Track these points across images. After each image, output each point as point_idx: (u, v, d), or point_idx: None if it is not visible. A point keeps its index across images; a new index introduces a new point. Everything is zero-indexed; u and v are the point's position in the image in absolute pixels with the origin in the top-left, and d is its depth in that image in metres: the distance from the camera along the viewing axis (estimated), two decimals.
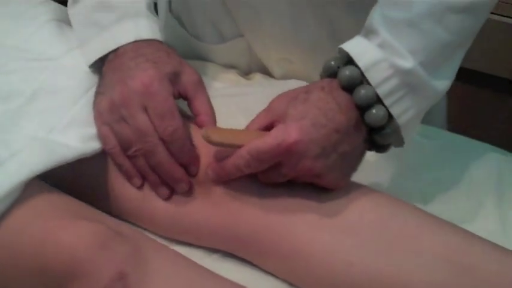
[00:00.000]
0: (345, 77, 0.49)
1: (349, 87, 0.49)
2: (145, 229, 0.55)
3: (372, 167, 0.62)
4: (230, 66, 0.79)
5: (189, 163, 0.52)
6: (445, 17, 0.49)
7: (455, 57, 0.52)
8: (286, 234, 0.50)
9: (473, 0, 0.49)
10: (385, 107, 0.49)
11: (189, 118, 0.56)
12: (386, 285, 0.47)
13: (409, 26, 0.49)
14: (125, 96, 0.51)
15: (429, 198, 0.61)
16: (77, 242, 0.44)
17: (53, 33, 0.62)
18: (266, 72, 0.78)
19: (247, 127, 0.52)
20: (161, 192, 0.53)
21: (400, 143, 0.53)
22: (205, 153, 0.53)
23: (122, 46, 0.55)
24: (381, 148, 0.53)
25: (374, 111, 0.49)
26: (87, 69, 0.58)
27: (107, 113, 0.52)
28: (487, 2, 0.51)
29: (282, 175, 0.49)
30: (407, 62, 0.48)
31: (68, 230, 0.45)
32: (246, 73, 0.80)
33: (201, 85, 0.56)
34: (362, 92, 0.48)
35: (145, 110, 0.51)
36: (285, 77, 0.77)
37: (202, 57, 0.80)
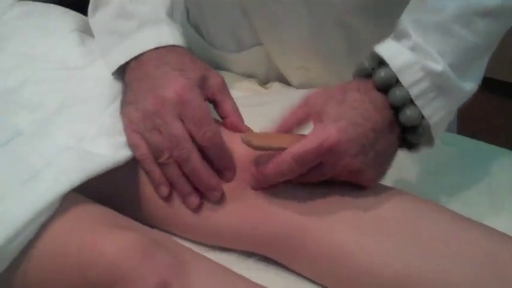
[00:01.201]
0: (380, 78, 0.51)
1: (384, 88, 0.51)
2: (175, 235, 0.56)
3: (392, 172, 0.63)
4: (248, 75, 0.80)
5: (226, 168, 0.53)
6: (472, 20, 0.51)
7: (482, 60, 0.54)
8: (322, 234, 0.50)
9: (499, 4, 0.51)
10: (417, 107, 0.51)
11: (218, 123, 0.57)
12: (423, 285, 0.48)
13: (439, 30, 0.51)
14: (159, 105, 0.52)
15: (449, 203, 0.61)
16: (120, 252, 0.44)
17: (76, 43, 0.63)
18: (284, 80, 0.79)
19: (282, 120, 0.54)
20: (191, 201, 0.53)
21: (430, 142, 0.55)
22: (238, 158, 0.54)
23: (145, 53, 0.56)
24: (411, 147, 0.55)
25: (408, 111, 0.51)
26: (112, 78, 0.59)
27: (139, 122, 0.53)
28: None
29: (322, 174, 0.51)
30: (438, 65, 0.50)
31: (109, 240, 0.45)
32: (263, 82, 0.80)
33: (226, 87, 0.57)
34: (397, 92, 0.50)
35: (180, 118, 0.52)
36: (303, 85, 0.78)
37: (219, 66, 0.81)
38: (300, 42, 0.72)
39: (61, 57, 0.61)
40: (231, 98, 0.57)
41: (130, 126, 0.54)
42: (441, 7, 0.51)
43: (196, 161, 0.52)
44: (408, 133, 0.53)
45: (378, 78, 0.51)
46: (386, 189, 0.54)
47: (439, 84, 0.51)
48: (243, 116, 0.58)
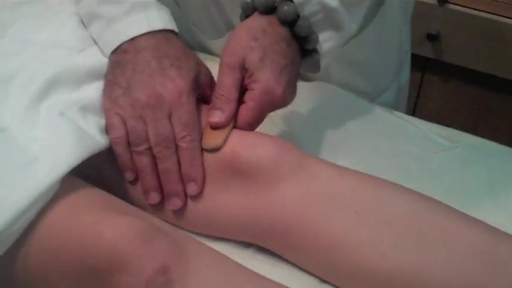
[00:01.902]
0: (284, 13, 0.56)
1: (286, 21, 0.57)
2: (172, 224, 0.55)
3: (394, 168, 0.64)
4: None
5: (192, 179, 0.53)
6: None
7: (364, 3, 0.62)
8: (322, 226, 0.50)
9: None
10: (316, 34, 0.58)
11: None
12: (419, 276, 0.48)
13: None
14: (153, 101, 0.53)
15: (453, 199, 0.61)
16: (120, 237, 0.44)
17: (76, 27, 0.62)
18: None
19: (221, 93, 0.55)
20: (151, 196, 0.54)
21: (315, 68, 0.62)
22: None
23: (141, 37, 0.56)
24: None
25: (313, 37, 0.58)
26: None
27: (126, 107, 0.54)
28: None
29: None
30: (333, 1, 0.56)
31: (109, 224, 0.45)
32: None
33: (214, 80, 0.59)
34: (301, 23, 0.57)
35: (169, 117, 0.53)
36: None
37: (206, 50, 0.82)
38: None
39: (60, 40, 0.61)
40: None
41: (113, 108, 0.54)
42: None
43: (174, 162, 0.53)
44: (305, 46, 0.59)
45: (283, 13, 0.56)
46: (387, 183, 0.54)
47: (331, 18, 0.57)
48: None
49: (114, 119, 0.54)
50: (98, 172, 0.55)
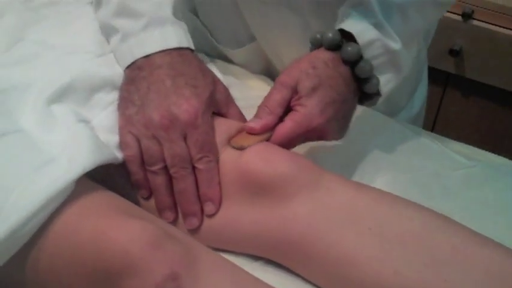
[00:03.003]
0: (348, 53, 0.58)
1: (348, 61, 0.58)
2: None
3: (412, 185, 0.63)
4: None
5: (210, 198, 0.53)
6: (425, 7, 0.61)
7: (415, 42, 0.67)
8: (334, 242, 0.50)
9: None
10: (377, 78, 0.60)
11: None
12: None
13: (399, 12, 0.59)
14: (167, 121, 0.53)
15: (470, 217, 0.60)
16: (131, 241, 0.44)
17: (97, 31, 0.63)
18: None
19: (266, 107, 0.56)
20: (166, 215, 0.54)
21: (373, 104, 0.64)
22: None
23: (156, 55, 0.56)
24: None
25: (372, 81, 0.59)
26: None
27: (140, 126, 0.54)
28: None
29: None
30: (396, 44, 0.59)
31: (122, 228, 0.45)
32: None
33: (231, 97, 0.60)
34: (363, 66, 0.58)
35: (184, 137, 0.53)
36: None
37: (226, 59, 0.82)
38: (289, 42, 0.73)
39: (80, 44, 0.61)
40: (236, 106, 0.60)
41: (127, 127, 0.55)
42: None
43: (191, 182, 0.53)
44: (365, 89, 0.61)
45: (346, 53, 0.58)
46: (403, 201, 0.53)
47: (393, 61, 0.59)
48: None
49: (127, 137, 0.54)
50: (113, 178, 0.55)
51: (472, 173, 0.66)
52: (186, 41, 0.58)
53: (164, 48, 0.57)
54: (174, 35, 0.58)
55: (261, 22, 0.73)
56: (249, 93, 0.73)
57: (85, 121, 0.54)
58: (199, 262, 0.46)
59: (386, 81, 0.60)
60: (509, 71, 1.31)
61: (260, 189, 0.52)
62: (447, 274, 0.47)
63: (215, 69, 0.67)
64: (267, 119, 0.55)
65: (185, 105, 0.53)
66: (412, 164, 0.67)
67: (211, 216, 0.53)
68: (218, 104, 0.58)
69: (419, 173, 0.65)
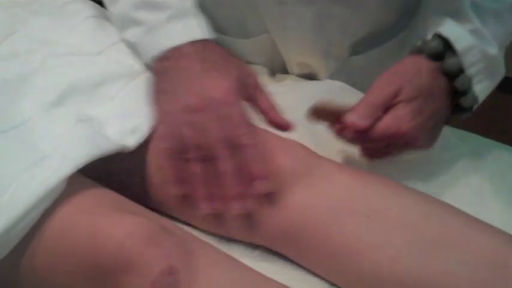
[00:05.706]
0: (450, 65, 0.59)
1: (448, 73, 0.59)
2: (181, 221, 0.55)
3: (407, 169, 0.63)
4: (253, 64, 0.80)
5: (259, 175, 0.51)
6: None
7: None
8: (332, 231, 0.50)
9: None
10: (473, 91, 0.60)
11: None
12: (431, 283, 0.47)
13: (495, 17, 0.60)
14: (203, 103, 0.52)
15: (465, 201, 0.60)
16: (127, 236, 0.44)
17: (92, 29, 0.62)
18: (285, 72, 0.80)
19: (369, 100, 0.56)
20: (203, 206, 0.51)
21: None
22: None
23: (180, 46, 0.56)
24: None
25: (470, 95, 0.60)
26: (128, 63, 0.59)
27: (177, 113, 0.53)
28: None
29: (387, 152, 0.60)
30: (493, 49, 0.59)
31: (117, 223, 0.45)
32: (268, 73, 0.81)
33: (259, 83, 0.58)
34: (462, 80, 0.59)
35: (218, 120, 0.52)
36: (303, 77, 0.79)
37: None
38: (302, 35, 0.73)
39: (75, 43, 0.60)
40: (267, 93, 0.58)
41: (165, 118, 0.54)
42: None
43: (228, 163, 0.51)
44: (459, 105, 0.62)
45: (448, 64, 0.59)
46: (400, 187, 0.53)
47: (490, 67, 0.60)
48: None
49: (163, 130, 0.53)
50: (108, 173, 0.55)
51: (468, 157, 0.67)
52: (208, 33, 0.58)
53: (190, 40, 0.56)
54: (198, 27, 0.58)
55: (277, 11, 0.72)
56: None
57: (85, 120, 0.53)
58: (197, 256, 0.46)
59: (482, 90, 0.60)
60: None
61: None
62: (446, 262, 0.48)
63: None
64: (368, 122, 0.55)
65: (216, 84, 0.53)
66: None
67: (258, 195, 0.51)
68: (247, 87, 0.56)
69: (408, 158, 0.65)
